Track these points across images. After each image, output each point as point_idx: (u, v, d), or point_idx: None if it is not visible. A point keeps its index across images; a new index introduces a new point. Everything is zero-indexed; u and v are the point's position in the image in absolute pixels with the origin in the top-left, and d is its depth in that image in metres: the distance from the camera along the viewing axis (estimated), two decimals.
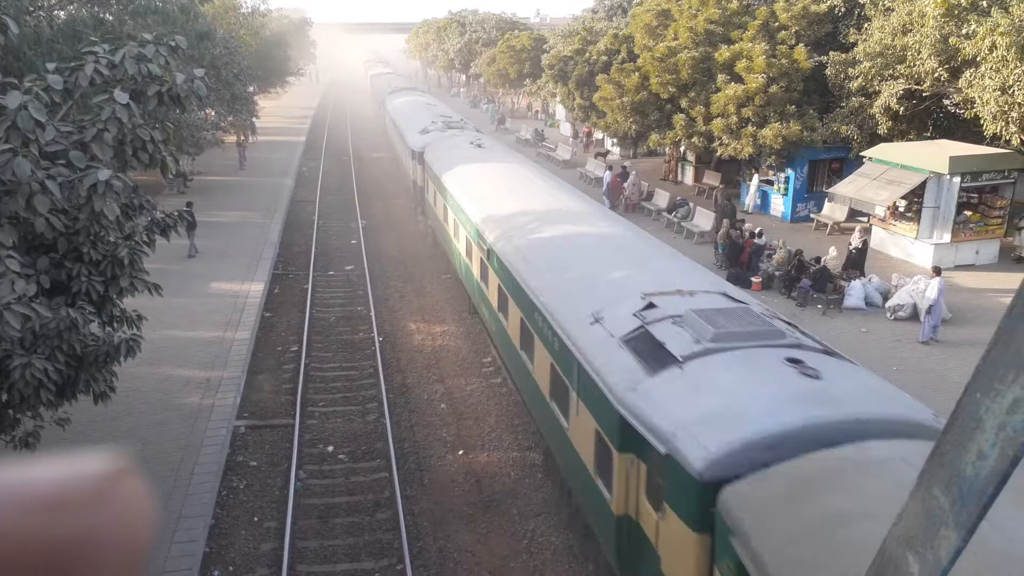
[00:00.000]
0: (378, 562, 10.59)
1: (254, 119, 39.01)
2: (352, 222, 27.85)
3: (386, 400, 14.58)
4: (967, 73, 19.39)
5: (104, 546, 0.47)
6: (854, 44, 23.32)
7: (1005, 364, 0.76)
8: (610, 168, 29.76)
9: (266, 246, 22.99)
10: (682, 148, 30.27)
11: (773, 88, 23.88)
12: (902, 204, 21.61)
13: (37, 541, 0.45)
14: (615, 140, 34.86)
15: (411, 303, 19.98)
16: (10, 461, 0.48)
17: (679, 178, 32.51)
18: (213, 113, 33.82)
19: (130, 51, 7.22)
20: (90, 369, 8.00)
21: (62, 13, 15.76)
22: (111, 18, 15.61)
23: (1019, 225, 21.45)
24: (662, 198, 27.08)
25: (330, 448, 13.28)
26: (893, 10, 21.86)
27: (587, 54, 33.87)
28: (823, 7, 25.19)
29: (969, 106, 20.14)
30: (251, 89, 39.59)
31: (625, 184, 27.91)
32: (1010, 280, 20.35)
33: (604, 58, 32.19)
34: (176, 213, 9.77)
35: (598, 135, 39.18)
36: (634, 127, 29.02)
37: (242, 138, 36.66)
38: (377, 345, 17.02)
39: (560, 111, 47.22)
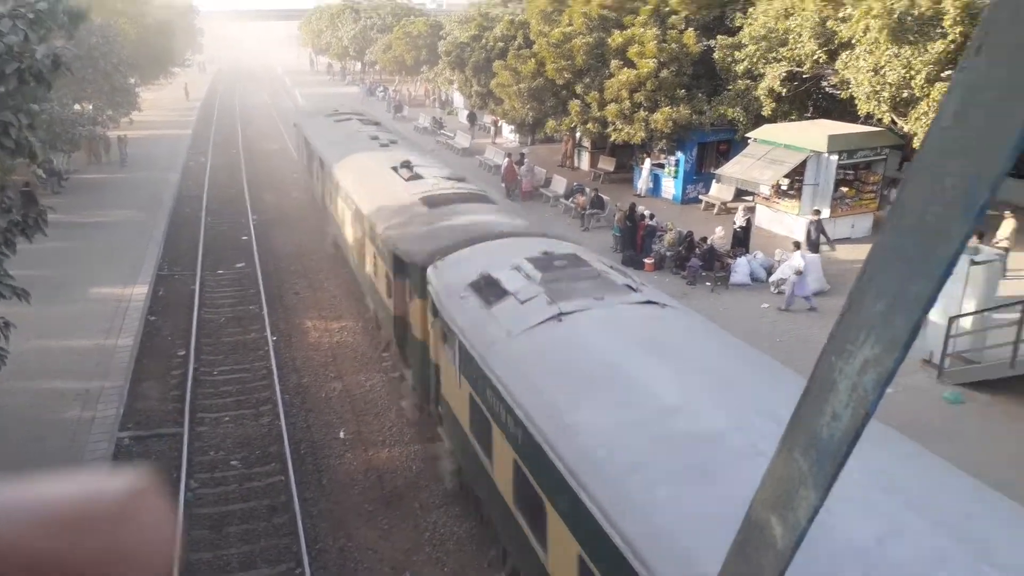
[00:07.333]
0: (275, 568, 10.26)
1: (120, 122, 36.63)
2: (243, 217, 26.81)
3: (281, 401, 14.10)
4: (843, 55, 20.28)
5: (124, 564, 0.46)
6: (740, 28, 24.02)
7: (856, 326, 0.77)
8: (509, 155, 29.74)
9: (150, 245, 21.87)
10: (578, 134, 30.54)
11: (664, 72, 24.34)
12: (785, 183, 22.49)
13: (59, 559, 0.44)
14: (513, 127, 34.87)
15: (306, 299, 19.41)
16: (32, 478, 0.47)
17: (576, 164, 32.84)
18: (91, 107, 31.90)
19: None
20: None
21: None
22: None
23: (891, 199, 22.68)
24: (559, 184, 27.27)
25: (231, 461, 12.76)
26: None
27: (484, 40, 33.65)
28: None
29: (845, 87, 21.08)
30: (132, 80, 37.53)
31: (520, 170, 27.94)
32: None
33: (501, 44, 32.06)
34: (39, 209, 9.20)
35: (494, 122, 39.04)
36: (531, 114, 29.06)
37: (122, 134, 34.69)
38: (271, 345, 16.44)
39: (458, 98, 46.87)
